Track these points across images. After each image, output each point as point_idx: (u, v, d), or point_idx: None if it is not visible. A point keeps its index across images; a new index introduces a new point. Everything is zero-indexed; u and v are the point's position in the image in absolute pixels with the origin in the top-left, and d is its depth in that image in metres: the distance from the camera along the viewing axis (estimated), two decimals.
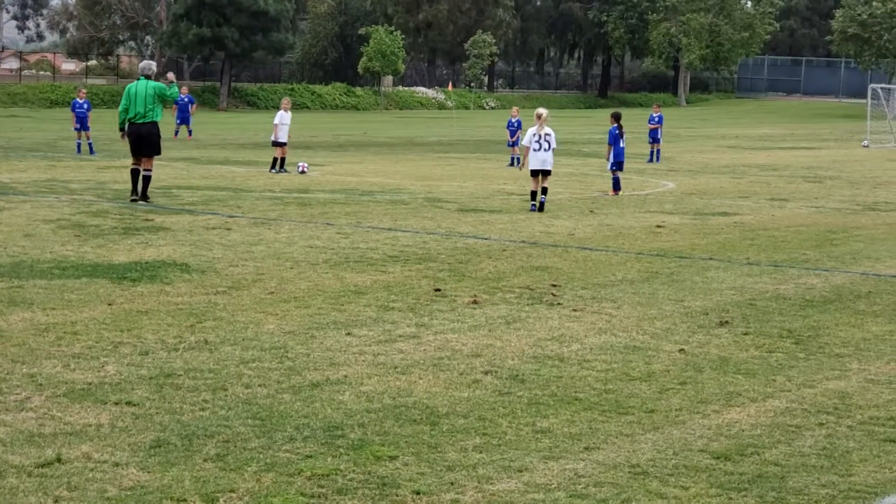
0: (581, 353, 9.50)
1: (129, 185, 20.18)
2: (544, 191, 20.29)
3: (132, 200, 19.70)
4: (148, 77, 19.92)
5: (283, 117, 28.20)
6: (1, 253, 13.72)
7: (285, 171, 27.63)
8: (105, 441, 6.86)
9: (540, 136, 20.28)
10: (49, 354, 8.86)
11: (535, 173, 20.28)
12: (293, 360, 8.93)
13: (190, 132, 41.35)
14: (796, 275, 13.97)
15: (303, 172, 27.10)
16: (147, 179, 19.93)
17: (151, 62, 21.06)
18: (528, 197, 20.66)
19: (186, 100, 41.62)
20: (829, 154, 42.56)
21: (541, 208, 20.05)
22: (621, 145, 24.05)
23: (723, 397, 8.29)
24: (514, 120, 33.85)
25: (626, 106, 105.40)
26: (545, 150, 20.27)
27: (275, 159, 27.92)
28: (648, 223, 18.96)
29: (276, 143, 28.03)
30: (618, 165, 24.03)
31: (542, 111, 20.92)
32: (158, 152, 20.00)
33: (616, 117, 24.35)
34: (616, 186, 24.02)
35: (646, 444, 7.13)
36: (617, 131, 23.96)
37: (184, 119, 41.37)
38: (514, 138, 32.07)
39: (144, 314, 10.44)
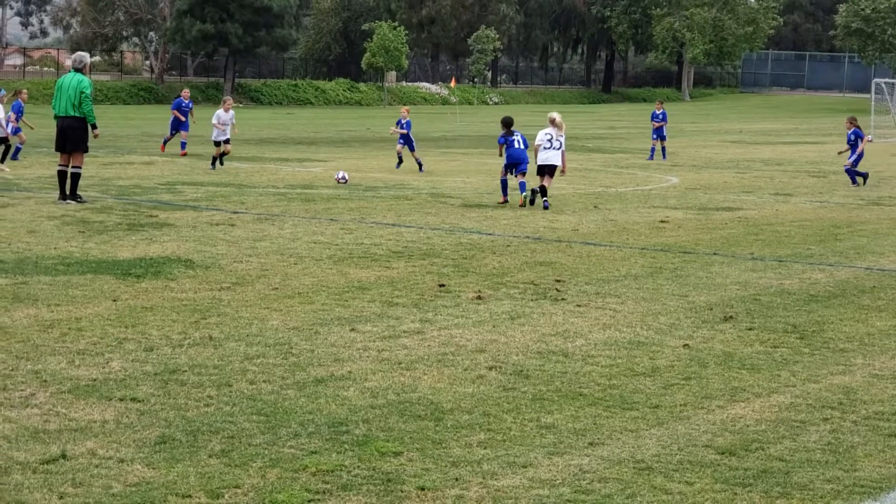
0: (585, 349, 9.49)
1: (133, 182, 20.13)
2: (544, 191, 20.24)
3: (60, 200, 18.76)
4: (79, 70, 18.98)
5: (222, 116, 26.83)
6: (5, 249, 13.72)
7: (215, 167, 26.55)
8: (110, 437, 6.86)
9: (552, 137, 20.55)
10: (54, 351, 8.87)
11: (541, 169, 20.52)
12: (297, 356, 8.94)
13: (173, 140, 33.96)
14: (800, 270, 13.96)
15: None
16: (75, 177, 18.89)
17: (84, 54, 19.77)
18: (539, 192, 20.26)
19: (191, 105, 33.99)
20: (833, 149, 42.46)
21: (544, 206, 20.04)
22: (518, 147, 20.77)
23: (727, 392, 8.28)
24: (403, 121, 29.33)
25: (630, 101, 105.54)
26: (555, 148, 20.51)
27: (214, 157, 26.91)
28: (652, 218, 18.95)
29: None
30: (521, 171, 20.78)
31: (556, 115, 20.93)
32: (83, 149, 18.88)
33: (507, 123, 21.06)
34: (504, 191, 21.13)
35: (650, 440, 7.13)
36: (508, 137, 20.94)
37: (180, 127, 33.89)
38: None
39: (149, 310, 10.45)
